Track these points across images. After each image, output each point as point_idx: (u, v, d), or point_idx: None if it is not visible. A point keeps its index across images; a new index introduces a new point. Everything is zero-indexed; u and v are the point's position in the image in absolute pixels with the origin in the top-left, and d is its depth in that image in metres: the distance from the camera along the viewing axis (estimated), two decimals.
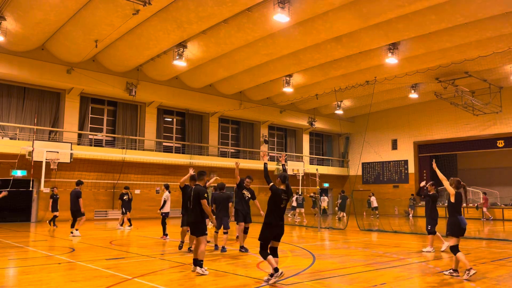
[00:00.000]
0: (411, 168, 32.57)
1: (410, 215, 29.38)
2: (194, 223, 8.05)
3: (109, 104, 25.29)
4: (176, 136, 28.07)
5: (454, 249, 7.75)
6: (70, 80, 21.92)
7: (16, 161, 18.82)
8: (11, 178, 19.02)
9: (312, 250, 11.23)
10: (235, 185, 11.52)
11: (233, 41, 19.26)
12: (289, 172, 29.87)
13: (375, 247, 12.20)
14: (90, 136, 24.36)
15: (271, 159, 32.61)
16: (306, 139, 34.64)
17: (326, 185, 33.45)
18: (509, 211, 26.56)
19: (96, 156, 22.48)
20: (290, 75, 24.83)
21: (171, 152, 26.97)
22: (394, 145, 33.66)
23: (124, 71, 23.45)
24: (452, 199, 7.91)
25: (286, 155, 9.89)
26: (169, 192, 14.59)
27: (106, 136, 25.05)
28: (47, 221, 18.33)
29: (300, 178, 29.60)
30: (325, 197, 30.48)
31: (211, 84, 26.66)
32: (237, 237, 11.76)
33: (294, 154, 33.73)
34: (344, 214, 24.24)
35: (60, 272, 8.07)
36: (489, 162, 29.99)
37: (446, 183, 8.09)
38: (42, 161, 18.95)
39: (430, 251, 10.95)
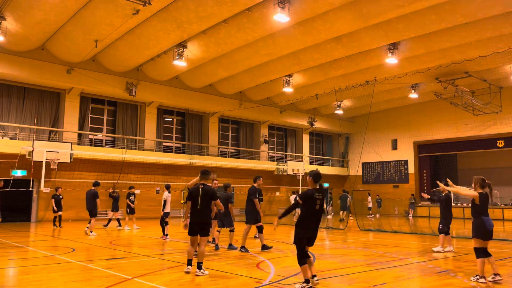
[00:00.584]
0: (411, 168, 32.58)
1: (410, 215, 29.38)
2: (204, 224, 7.95)
3: (109, 104, 25.29)
4: (176, 136, 28.08)
5: (477, 252, 7.23)
6: (70, 80, 21.92)
7: (16, 161, 18.82)
8: (11, 178, 19.02)
9: (312, 250, 11.21)
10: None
11: (233, 41, 19.26)
12: (289, 172, 29.92)
13: (375, 247, 12.20)
14: (90, 136, 24.36)
15: (271, 159, 32.64)
16: (306, 139, 34.65)
17: (326, 185, 33.45)
18: (509, 211, 26.55)
19: (96, 156, 22.48)
20: (290, 75, 24.83)
21: (171, 152, 26.98)
22: (394, 145, 33.66)
23: (124, 71, 23.45)
24: (477, 201, 7.26)
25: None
26: (169, 192, 14.59)
27: (106, 136, 25.05)
28: (54, 223, 18.26)
29: (300, 178, 29.61)
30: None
31: (211, 84, 26.67)
32: (255, 236, 12.61)
33: (294, 154, 33.73)
34: (345, 213, 24.25)
35: (60, 272, 8.07)
36: (489, 162, 29.98)
37: (466, 192, 7.62)
38: (42, 161, 18.96)
39: (440, 251, 10.89)
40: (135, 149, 24.82)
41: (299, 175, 29.76)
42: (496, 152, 29.03)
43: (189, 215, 7.99)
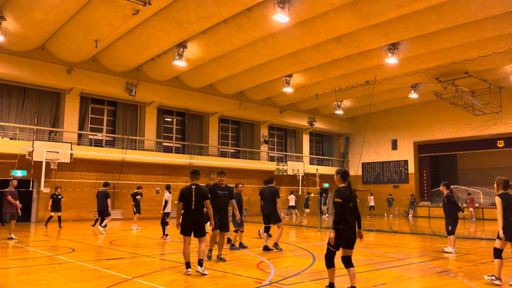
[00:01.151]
0: (411, 168, 32.57)
1: (410, 215, 29.38)
2: (199, 224, 7.96)
3: (109, 104, 25.29)
4: (176, 136, 28.07)
5: (497, 253, 7.09)
6: (70, 80, 21.91)
7: (16, 161, 18.81)
8: (11, 178, 18.99)
9: (312, 250, 11.23)
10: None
11: (233, 41, 19.26)
12: (289, 172, 29.91)
13: (375, 247, 12.20)
14: (90, 136, 24.36)
15: (271, 159, 32.63)
16: (306, 139, 34.64)
17: (326, 185, 33.46)
18: None
19: (96, 156, 22.47)
20: (290, 75, 24.83)
21: (171, 152, 26.97)
22: (394, 145, 33.66)
23: (124, 71, 23.45)
24: (503, 203, 7.10)
25: None
26: (170, 192, 14.59)
27: (106, 136, 25.04)
28: (46, 223, 18.02)
29: (300, 178, 29.61)
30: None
31: (211, 84, 26.66)
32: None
33: (294, 154, 33.72)
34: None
35: (60, 272, 8.07)
36: (489, 162, 29.97)
37: (500, 218, 7.11)
38: (42, 161, 18.94)
39: (451, 252, 10.84)
40: (135, 149, 24.82)
41: (299, 175, 29.74)
42: (496, 152, 29.03)
43: (181, 215, 7.97)
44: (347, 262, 6.21)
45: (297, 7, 16.08)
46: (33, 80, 21.49)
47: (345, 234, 6.12)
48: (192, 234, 7.94)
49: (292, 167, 30.29)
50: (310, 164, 33.25)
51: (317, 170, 23.75)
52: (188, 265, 7.78)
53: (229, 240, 11.75)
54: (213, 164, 26.91)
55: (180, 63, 20.75)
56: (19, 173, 20.10)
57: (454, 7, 16.13)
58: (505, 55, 20.01)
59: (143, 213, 23.40)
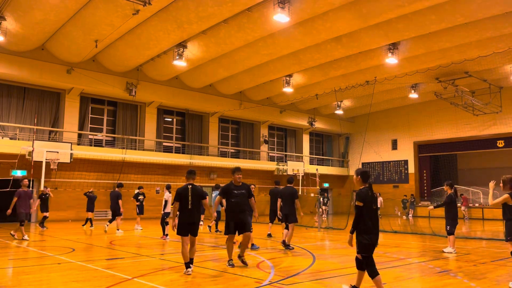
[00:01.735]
0: (411, 168, 32.58)
1: (410, 215, 29.37)
2: (196, 224, 7.98)
3: (109, 104, 25.29)
4: (176, 136, 28.08)
5: None
6: (70, 80, 21.92)
7: (16, 161, 18.81)
8: (11, 178, 19.01)
9: (312, 250, 11.23)
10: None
11: (233, 41, 19.26)
12: (289, 172, 29.90)
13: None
14: (90, 136, 24.36)
15: (271, 159, 32.63)
16: (306, 139, 34.64)
17: (326, 185, 33.46)
18: None
19: (96, 156, 22.48)
20: (290, 75, 24.83)
21: (171, 152, 26.98)
22: (394, 145, 33.66)
23: (124, 71, 23.45)
24: (510, 202, 7.02)
25: None
26: (170, 192, 14.60)
27: (106, 136, 25.05)
28: (41, 224, 17.77)
29: (300, 178, 29.61)
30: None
31: (211, 84, 26.66)
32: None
33: (294, 154, 33.72)
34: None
35: (60, 272, 8.07)
36: (489, 162, 29.97)
37: (496, 201, 7.10)
38: (42, 161, 18.95)
39: (451, 252, 10.83)
40: (135, 149, 24.82)
41: (299, 175, 29.74)
42: (496, 152, 29.03)
43: (176, 216, 7.99)
44: (361, 265, 6.04)
45: (297, 7, 16.08)
46: (33, 80, 21.49)
47: (370, 239, 5.85)
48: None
49: (292, 167, 30.29)
50: (310, 164, 33.25)
51: (317, 170, 23.75)
52: (187, 265, 7.78)
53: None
54: (213, 164, 26.91)
55: (180, 63, 20.75)
56: (19, 173, 20.10)
57: (454, 7, 16.13)
58: (505, 55, 20.00)
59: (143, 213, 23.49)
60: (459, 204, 26.56)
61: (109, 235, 15.30)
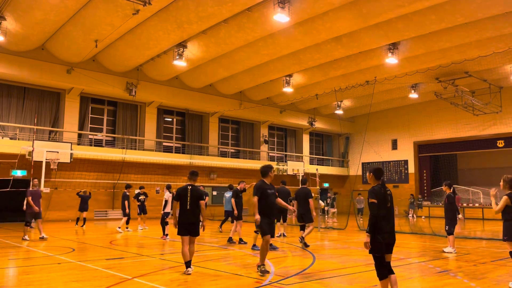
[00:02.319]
0: (411, 168, 32.58)
1: (410, 215, 29.35)
2: (194, 224, 8.02)
3: (109, 104, 25.29)
4: (176, 136, 28.08)
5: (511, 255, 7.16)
6: (70, 80, 21.92)
7: (16, 161, 18.81)
8: (11, 178, 19.02)
9: (312, 250, 11.22)
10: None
11: (233, 41, 19.26)
12: (289, 172, 29.91)
13: None
14: (90, 136, 24.36)
15: (271, 159, 32.62)
16: (306, 139, 34.64)
17: (326, 185, 33.45)
18: None
19: (96, 156, 22.48)
20: (290, 75, 24.83)
21: (171, 152, 26.98)
22: (394, 145, 33.66)
23: (124, 71, 23.45)
24: (510, 203, 7.02)
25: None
26: (171, 192, 14.60)
27: (106, 136, 25.05)
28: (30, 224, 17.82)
29: (300, 178, 29.57)
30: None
31: (211, 84, 26.67)
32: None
33: (294, 154, 33.73)
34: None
35: (60, 272, 8.07)
36: (489, 162, 29.98)
37: (498, 207, 7.11)
38: (42, 161, 18.94)
39: (451, 252, 10.83)
40: (135, 149, 24.82)
41: (299, 175, 29.72)
42: (496, 152, 29.03)
43: (177, 214, 8.09)
44: (388, 268, 5.72)
45: (297, 7, 16.08)
46: (33, 80, 21.49)
47: (383, 238, 5.61)
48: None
49: (292, 167, 30.29)
50: (310, 164, 33.25)
51: (317, 170, 23.73)
52: (187, 264, 7.79)
53: (241, 241, 12.34)
54: (213, 164, 26.92)
55: (180, 63, 20.75)
56: (19, 173, 20.11)
57: (454, 7, 16.13)
58: (505, 55, 20.01)
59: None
60: (459, 204, 26.56)
61: (109, 236, 15.29)
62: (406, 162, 32.88)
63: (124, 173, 23.49)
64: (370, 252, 5.65)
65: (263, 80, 25.30)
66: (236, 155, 30.63)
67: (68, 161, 21.16)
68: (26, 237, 13.39)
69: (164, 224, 14.17)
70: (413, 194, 30.44)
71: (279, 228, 14.81)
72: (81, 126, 23.82)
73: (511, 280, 7.25)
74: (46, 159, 19.35)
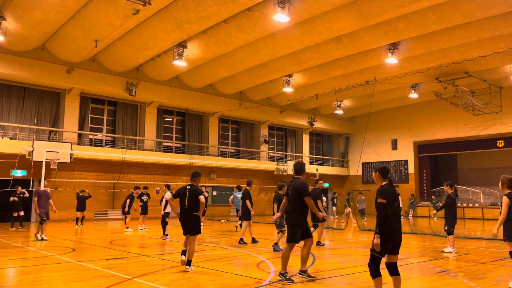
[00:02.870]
0: (411, 168, 32.58)
1: (410, 215, 29.36)
2: (192, 223, 8.14)
3: (109, 104, 25.29)
4: (176, 136, 28.08)
5: (511, 254, 7.22)
6: (70, 80, 21.91)
7: (16, 161, 18.81)
8: (11, 178, 19.02)
9: (312, 250, 11.20)
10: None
11: (233, 41, 19.25)
12: (289, 172, 29.89)
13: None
14: (90, 136, 24.35)
15: (271, 159, 32.63)
16: (306, 139, 34.64)
17: (326, 185, 33.43)
18: None
19: (96, 156, 22.48)
20: (290, 75, 24.83)
21: (171, 152, 26.97)
22: (394, 145, 33.66)
23: (124, 71, 23.45)
24: (509, 202, 7.06)
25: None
26: (171, 192, 14.60)
27: (106, 136, 25.05)
28: (12, 224, 17.63)
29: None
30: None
31: (211, 84, 26.67)
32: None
33: (294, 154, 33.72)
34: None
35: (60, 272, 8.07)
36: (489, 162, 29.98)
37: (502, 217, 7.11)
38: (42, 161, 18.94)
39: (451, 252, 10.83)
40: (135, 149, 24.82)
41: None
42: (496, 152, 29.04)
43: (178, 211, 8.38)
44: (392, 269, 5.68)
45: (297, 7, 16.08)
46: (33, 80, 21.49)
47: (390, 239, 5.53)
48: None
49: (292, 167, 30.24)
50: (310, 164, 33.24)
51: (317, 170, 23.77)
52: (183, 252, 8.27)
53: (254, 240, 12.64)
54: (213, 164, 26.92)
55: (180, 63, 20.75)
56: (19, 173, 20.11)
57: (454, 7, 16.13)
58: (505, 55, 20.01)
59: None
60: (459, 204, 26.54)
61: (109, 236, 15.29)
62: (406, 162, 32.88)
63: (124, 173, 23.49)
64: (371, 250, 5.55)
65: (263, 80, 25.30)
66: (236, 155, 30.63)
67: (68, 161, 21.16)
68: (44, 236, 13.36)
69: (164, 224, 14.17)
70: (413, 194, 30.46)
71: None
72: (81, 126, 23.82)
73: (511, 280, 7.25)
74: (46, 159, 19.35)
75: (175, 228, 16.28)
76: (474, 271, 8.35)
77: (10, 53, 20.07)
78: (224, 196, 28.66)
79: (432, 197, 30.25)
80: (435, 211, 11.81)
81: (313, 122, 32.92)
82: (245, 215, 13.04)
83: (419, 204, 31.16)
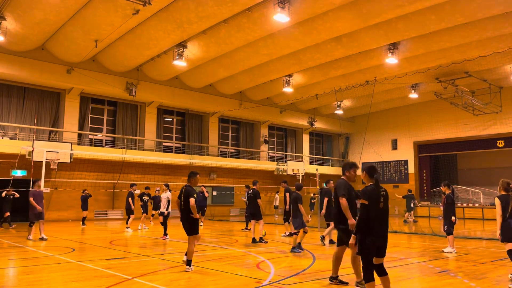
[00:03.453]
0: (411, 168, 32.57)
1: (411, 218, 29.28)
2: (188, 223, 8.14)
3: (109, 104, 25.29)
4: (176, 136, 28.07)
5: (509, 254, 7.44)
6: (70, 80, 21.91)
7: (16, 161, 18.80)
8: (11, 178, 19.01)
9: (312, 250, 11.22)
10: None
11: (233, 41, 19.25)
12: (289, 172, 29.91)
13: None
14: (90, 136, 24.35)
15: (271, 159, 32.62)
16: (306, 139, 34.64)
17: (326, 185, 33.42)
18: None
19: (96, 156, 22.48)
20: (290, 75, 24.83)
21: (171, 152, 26.97)
22: (394, 145, 33.65)
23: (124, 71, 23.44)
24: (499, 203, 7.43)
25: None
26: (170, 191, 14.59)
27: (106, 136, 25.04)
28: (0, 224, 17.80)
29: (300, 178, 29.60)
30: None
31: (211, 84, 26.66)
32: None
33: (294, 154, 33.72)
34: (410, 215, 23.92)
35: (60, 272, 8.07)
36: (489, 162, 29.97)
37: (498, 218, 7.42)
38: (42, 161, 18.94)
39: (451, 252, 10.83)
40: (135, 149, 24.82)
41: (299, 175, 29.73)
42: (496, 152, 29.03)
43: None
44: (379, 270, 5.58)
45: (297, 7, 16.08)
46: (33, 80, 21.49)
47: (372, 241, 5.44)
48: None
49: (292, 167, 30.28)
50: (310, 164, 33.25)
51: (317, 170, 23.74)
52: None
53: (262, 239, 12.60)
54: (213, 164, 26.92)
55: (180, 63, 20.75)
56: (19, 173, 20.10)
57: (454, 7, 16.13)
58: (505, 55, 20.01)
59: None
60: (458, 204, 26.53)
61: (109, 236, 15.29)
62: (406, 162, 32.87)
63: (124, 173, 23.49)
64: (357, 254, 5.55)
65: (263, 80, 25.30)
66: (236, 155, 30.63)
67: (68, 161, 21.16)
68: (30, 236, 13.39)
69: (165, 224, 14.16)
70: (413, 194, 30.42)
71: (286, 228, 14.87)
72: (81, 126, 23.81)
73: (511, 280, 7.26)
74: (46, 159, 19.35)
75: (175, 228, 16.28)
76: (474, 271, 8.35)
77: (10, 53, 20.07)
78: (224, 196, 28.67)
79: (408, 191, 29.71)
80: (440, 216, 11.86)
81: (313, 122, 32.92)
82: (255, 215, 13.08)
83: (419, 204, 31.14)
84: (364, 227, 5.45)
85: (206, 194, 18.68)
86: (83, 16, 17.39)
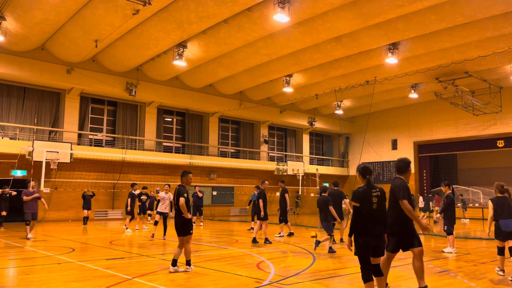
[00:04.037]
0: (411, 168, 32.46)
1: None
2: (180, 223, 8.07)
3: (109, 104, 25.29)
4: (176, 136, 28.07)
5: (498, 251, 7.96)
6: (70, 80, 21.91)
7: (16, 161, 18.81)
8: (11, 178, 19.02)
9: (312, 250, 11.22)
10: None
11: (233, 41, 19.25)
12: (289, 172, 29.91)
13: None
14: (90, 136, 24.35)
15: (271, 159, 32.62)
16: (306, 139, 34.64)
17: (326, 184, 33.43)
18: None
19: (96, 156, 22.48)
20: (290, 75, 24.83)
21: (171, 152, 26.97)
22: (394, 145, 33.66)
23: (124, 71, 23.44)
24: (492, 205, 7.98)
25: None
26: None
27: (106, 136, 25.04)
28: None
29: (300, 178, 29.61)
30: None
31: (211, 84, 26.66)
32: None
33: (294, 154, 33.72)
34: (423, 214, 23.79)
35: (60, 272, 8.07)
36: (489, 162, 29.98)
37: (490, 216, 8.03)
38: (42, 161, 18.95)
39: (451, 252, 10.83)
40: (135, 149, 24.82)
41: (299, 175, 29.73)
42: (496, 152, 29.03)
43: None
44: (375, 270, 5.57)
45: (297, 7, 16.08)
46: (33, 80, 21.49)
47: (365, 242, 5.46)
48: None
49: (292, 167, 30.29)
50: (310, 164, 33.25)
51: (317, 170, 23.77)
52: (173, 262, 8.04)
53: (267, 240, 12.56)
54: (213, 164, 26.91)
55: (180, 63, 20.75)
56: (19, 173, 20.11)
57: (454, 7, 16.13)
58: (505, 55, 20.00)
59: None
60: (458, 204, 26.46)
61: (109, 236, 15.29)
62: None
63: (124, 173, 23.49)
64: (354, 254, 5.58)
65: (263, 80, 25.30)
66: (236, 155, 30.63)
67: (68, 161, 21.16)
68: (30, 235, 13.41)
69: (165, 224, 14.17)
70: (413, 194, 30.42)
71: (281, 228, 14.88)
72: (81, 126, 23.81)
73: (511, 280, 7.26)
74: (46, 159, 19.37)
75: (174, 228, 16.30)
76: (474, 271, 8.35)
77: (10, 53, 20.07)
78: (224, 196, 28.68)
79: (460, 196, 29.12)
80: (438, 214, 11.79)
81: (313, 122, 32.92)
82: (259, 215, 13.09)
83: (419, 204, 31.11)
84: (356, 228, 5.51)
85: (200, 194, 18.57)
86: (83, 16, 17.39)
